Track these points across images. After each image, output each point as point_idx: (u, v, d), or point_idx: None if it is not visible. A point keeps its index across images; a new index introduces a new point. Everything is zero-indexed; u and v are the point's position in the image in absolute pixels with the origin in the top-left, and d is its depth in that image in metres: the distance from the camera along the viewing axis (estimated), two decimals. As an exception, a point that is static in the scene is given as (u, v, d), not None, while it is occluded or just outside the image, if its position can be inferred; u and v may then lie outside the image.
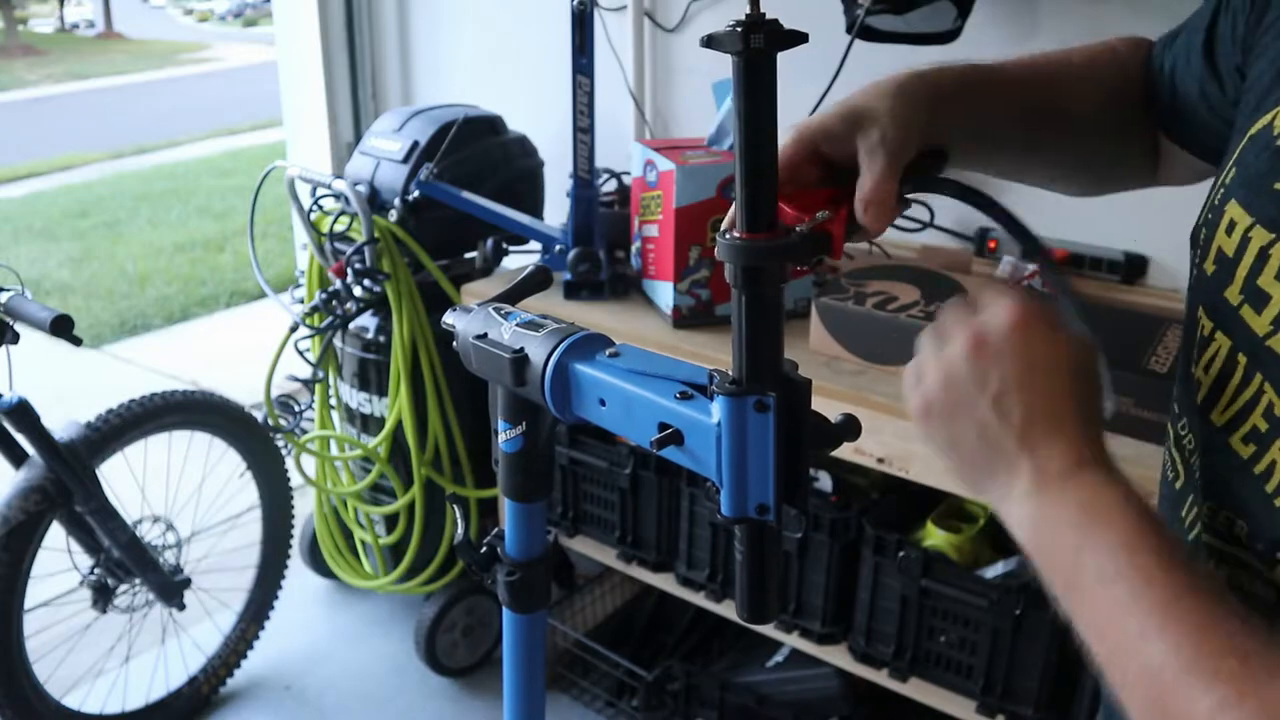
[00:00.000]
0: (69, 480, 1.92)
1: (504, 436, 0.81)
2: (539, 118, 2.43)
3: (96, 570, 2.08)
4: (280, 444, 2.34)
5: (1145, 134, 0.81)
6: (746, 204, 0.62)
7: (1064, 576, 0.54)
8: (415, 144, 2.20)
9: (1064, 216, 1.67)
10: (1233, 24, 0.70)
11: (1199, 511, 0.63)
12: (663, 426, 0.67)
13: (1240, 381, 0.59)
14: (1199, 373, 0.63)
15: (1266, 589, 0.57)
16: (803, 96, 1.88)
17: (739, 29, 0.57)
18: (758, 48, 0.57)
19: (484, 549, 0.87)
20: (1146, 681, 0.49)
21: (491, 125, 2.33)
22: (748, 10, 0.58)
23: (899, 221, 1.95)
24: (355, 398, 2.31)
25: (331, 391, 2.38)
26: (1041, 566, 0.56)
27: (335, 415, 2.41)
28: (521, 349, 0.74)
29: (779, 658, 2.10)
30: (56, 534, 2.00)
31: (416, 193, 2.14)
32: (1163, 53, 0.79)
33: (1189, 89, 0.75)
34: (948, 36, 1.82)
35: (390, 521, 2.35)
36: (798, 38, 0.58)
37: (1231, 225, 0.61)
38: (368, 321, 2.25)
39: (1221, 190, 0.63)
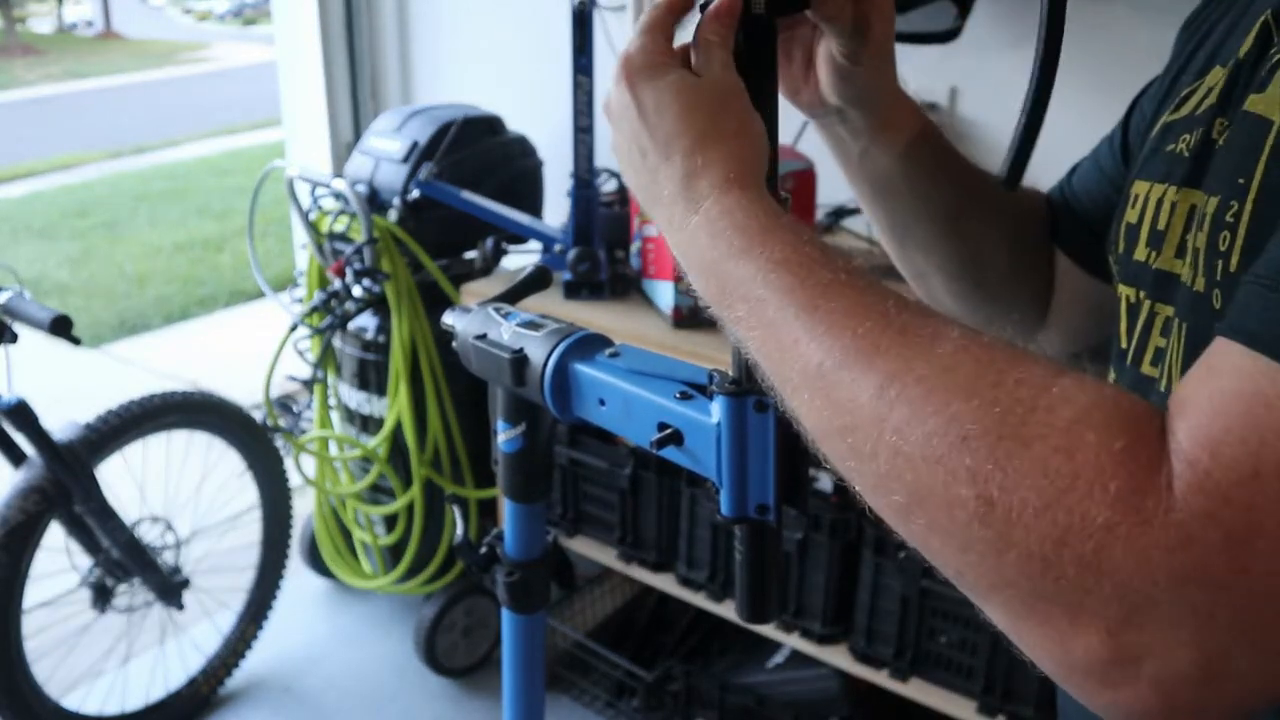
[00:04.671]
0: (68, 480, 1.92)
1: (504, 437, 0.81)
2: (539, 118, 2.43)
3: (96, 570, 2.08)
4: (280, 444, 2.34)
5: (1044, 270, 0.83)
6: None
7: (720, 290, 0.55)
8: (415, 144, 2.20)
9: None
10: (1141, 114, 0.74)
11: None
12: (662, 427, 0.67)
13: (1144, 316, 0.62)
14: (1121, 335, 0.66)
15: None
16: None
17: None
18: (758, 12, 0.57)
19: (484, 549, 0.87)
20: (810, 383, 0.48)
21: (491, 125, 2.32)
22: None
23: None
24: (355, 398, 2.31)
25: (331, 392, 2.38)
26: (701, 283, 0.57)
27: (335, 415, 2.41)
28: (521, 349, 0.74)
29: (779, 658, 2.10)
30: (56, 534, 2.00)
31: (416, 192, 2.14)
32: (1059, 187, 0.84)
33: (1099, 194, 0.78)
34: (948, 36, 1.82)
35: (390, 522, 2.35)
36: (799, 2, 0.58)
37: (1135, 199, 0.64)
38: (367, 321, 2.25)
39: (1130, 185, 0.67)
